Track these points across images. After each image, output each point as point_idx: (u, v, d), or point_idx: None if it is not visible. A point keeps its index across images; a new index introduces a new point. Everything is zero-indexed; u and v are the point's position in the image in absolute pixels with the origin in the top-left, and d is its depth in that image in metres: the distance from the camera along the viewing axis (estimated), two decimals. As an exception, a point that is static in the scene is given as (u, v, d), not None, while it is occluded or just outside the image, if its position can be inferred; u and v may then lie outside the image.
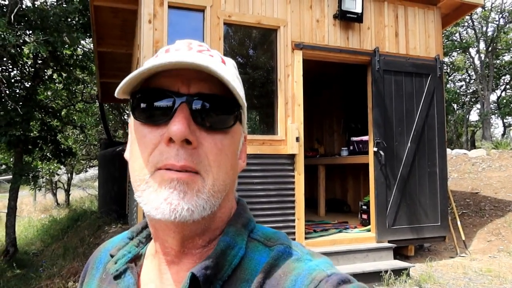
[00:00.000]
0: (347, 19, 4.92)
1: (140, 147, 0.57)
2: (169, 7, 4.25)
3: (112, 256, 0.66)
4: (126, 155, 0.63)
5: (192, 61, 0.52)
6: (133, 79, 0.56)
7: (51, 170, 11.93)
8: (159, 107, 0.56)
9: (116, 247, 0.67)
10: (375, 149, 5.00)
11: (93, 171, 17.91)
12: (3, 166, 9.39)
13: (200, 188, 0.54)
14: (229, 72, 0.60)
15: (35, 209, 14.79)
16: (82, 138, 13.55)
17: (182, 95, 0.55)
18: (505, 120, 20.69)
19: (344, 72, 7.41)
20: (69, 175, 15.19)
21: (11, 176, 7.70)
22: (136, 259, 0.66)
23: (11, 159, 8.51)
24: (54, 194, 15.15)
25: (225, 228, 0.61)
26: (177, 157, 0.53)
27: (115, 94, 0.58)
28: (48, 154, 8.23)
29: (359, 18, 4.93)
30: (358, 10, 4.89)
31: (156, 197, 0.53)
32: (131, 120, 0.61)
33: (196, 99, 0.55)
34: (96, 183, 13.49)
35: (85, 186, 17.94)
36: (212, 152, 0.56)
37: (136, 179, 0.57)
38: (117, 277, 0.63)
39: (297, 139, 4.61)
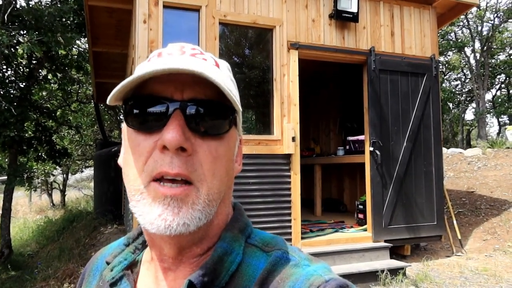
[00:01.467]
0: (343, 19, 4.92)
1: (134, 155, 0.55)
2: (164, 7, 4.23)
3: (108, 263, 0.66)
4: (120, 161, 0.62)
5: (185, 68, 0.51)
6: (125, 87, 0.54)
7: (46, 171, 11.87)
8: (152, 114, 0.55)
9: (112, 254, 0.67)
10: (371, 148, 5.00)
11: (89, 172, 17.85)
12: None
13: (194, 200, 0.53)
14: (223, 75, 0.60)
15: (31, 210, 14.73)
16: (78, 139, 13.49)
17: (175, 101, 0.54)
18: (500, 119, 20.80)
19: (341, 71, 7.41)
20: (64, 175, 15.13)
21: (6, 177, 7.65)
22: (132, 266, 0.65)
23: (6, 160, 8.46)
24: (50, 195, 15.08)
25: (221, 234, 0.60)
26: (172, 164, 0.52)
27: (107, 102, 0.57)
28: (43, 154, 8.19)
29: (354, 17, 4.93)
30: (354, 9, 4.89)
31: (151, 211, 0.53)
32: (124, 127, 0.60)
33: (190, 105, 0.54)
34: (92, 184, 13.44)
35: (80, 187, 17.88)
36: (207, 161, 0.55)
37: (131, 189, 0.56)
38: (113, 284, 0.62)
39: (293, 139, 4.60)
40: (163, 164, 0.52)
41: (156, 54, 0.61)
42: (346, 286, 0.52)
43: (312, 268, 0.56)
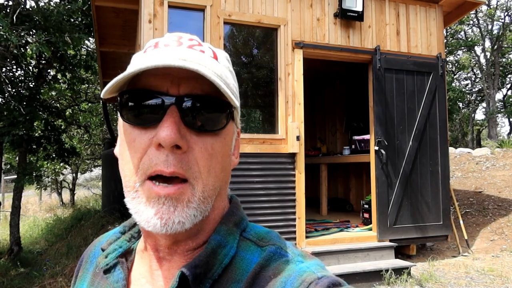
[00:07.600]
0: (348, 18, 4.91)
1: (130, 151, 0.55)
2: (169, 6, 4.26)
3: (103, 250, 0.66)
4: (116, 151, 0.62)
5: (180, 65, 0.50)
6: (118, 82, 0.53)
7: (56, 170, 12.00)
8: (147, 109, 0.54)
9: (108, 241, 0.67)
10: (376, 148, 4.99)
11: (98, 171, 17.97)
12: (8, 166, 9.45)
13: (190, 198, 0.53)
14: (221, 67, 0.58)
15: (41, 209, 14.88)
16: (87, 138, 13.61)
17: (171, 96, 0.53)
18: (511, 119, 20.51)
19: (346, 70, 7.39)
20: (74, 174, 15.28)
21: (15, 176, 7.75)
22: (127, 254, 0.65)
23: (16, 159, 8.57)
24: (59, 194, 15.23)
25: (216, 227, 0.60)
26: (167, 163, 0.51)
27: (101, 95, 0.56)
28: (52, 153, 8.28)
29: (360, 16, 4.91)
30: (359, 8, 4.87)
31: (146, 210, 0.53)
32: (120, 119, 0.59)
33: (186, 100, 0.53)
34: (101, 183, 13.55)
35: (90, 186, 18.04)
36: (203, 158, 0.54)
37: (126, 184, 0.56)
38: (107, 271, 0.62)
39: (298, 138, 4.60)
40: (158, 162, 0.52)
41: (152, 45, 0.59)
42: (338, 284, 0.52)
43: (305, 265, 0.56)
